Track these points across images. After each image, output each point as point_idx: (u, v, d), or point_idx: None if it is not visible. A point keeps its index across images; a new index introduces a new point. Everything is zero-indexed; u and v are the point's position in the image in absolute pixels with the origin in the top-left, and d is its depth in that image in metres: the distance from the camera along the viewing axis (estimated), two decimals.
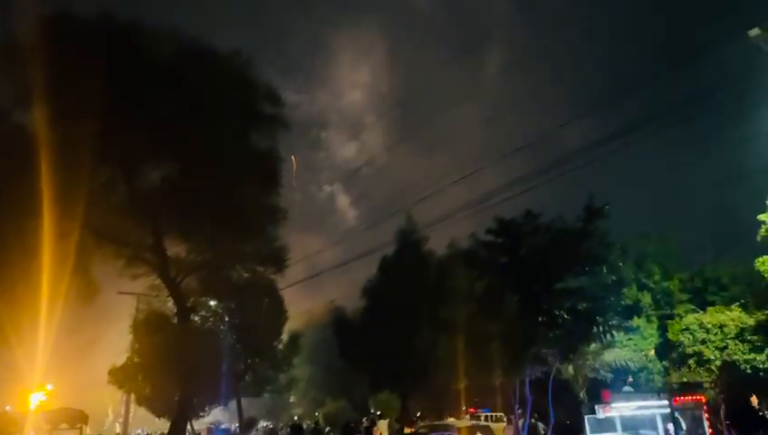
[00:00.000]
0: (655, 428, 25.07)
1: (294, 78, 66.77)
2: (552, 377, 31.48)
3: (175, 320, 28.48)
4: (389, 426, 36.72)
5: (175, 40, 22.77)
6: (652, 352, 34.46)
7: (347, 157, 72.43)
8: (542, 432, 33.87)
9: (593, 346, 32.40)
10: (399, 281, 30.80)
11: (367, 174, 73.78)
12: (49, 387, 32.67)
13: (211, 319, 32.96)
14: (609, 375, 33.43)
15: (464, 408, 39.87)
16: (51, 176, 19.44)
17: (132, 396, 34.91)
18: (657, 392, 29.52)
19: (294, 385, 44.78)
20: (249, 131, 25.56)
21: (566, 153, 34.35)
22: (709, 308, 32.64)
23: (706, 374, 30.39)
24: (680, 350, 31.79)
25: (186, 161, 23.79)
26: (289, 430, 44.30)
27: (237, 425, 39.81)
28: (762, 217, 27.29)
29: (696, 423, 23.94)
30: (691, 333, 31.21)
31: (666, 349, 33.57)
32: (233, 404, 36.00)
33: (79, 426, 29.93)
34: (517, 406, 32.77)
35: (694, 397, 24.54)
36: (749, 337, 29.59)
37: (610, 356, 33.24)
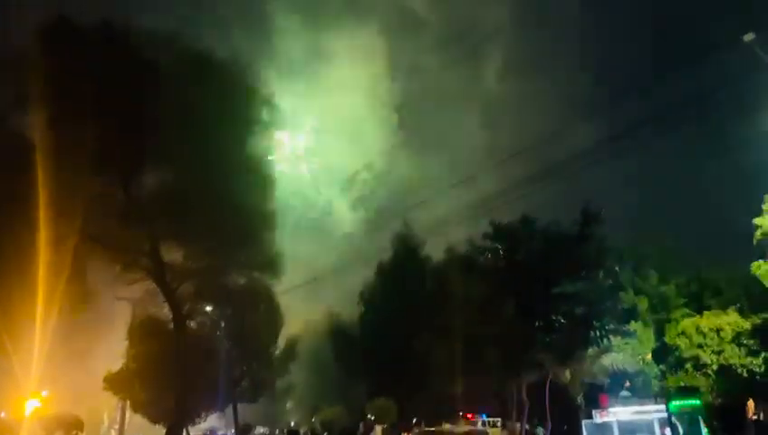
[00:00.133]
0: (653, 432, 25.11)
1: (293, 81, 67.16)
2: (549, 382, 31.46)
3: (171, 326, 28.38)
4: (385, 432, 36.64)
5: (172, 46, 22.80)
6: (649, 357, 34.41)
7: (345, 161, 72.63)
8: None
9: (590, 351, 32.39)
10: (396, 286, 30.81)
11: (365, 178, 73.90)
12: (44, 393, 32.42)
13: (207, 325, 32.86)
14: (607, 380, 33.42)
15: (461, 413, 39.79)
16: (47, 181, 19.39)
17: (128, 402, 34.76)
18: (655, 397, 29.52)
19: (291, 391, 44.65)
20: (246, 137, 25.57)
21: (564, 157, 34.41)
22: (706, 312, 32.63)
23: (703, 378, 30.41)
24: (677, 354, 31.78)
25: (182, 167, 23.77)
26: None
27: (233, 431, 39.68)
28: (757, 220, 27.36)
29: (693, 428, 23.98)
30: (688, 338, 31.21)
31: (662, 353, 33.55)
32: (229, 410, 35.88)
33: (74, 433, 29.73)
34: (514, 411, 32.73)
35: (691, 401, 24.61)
36: (745, 341, 29.61)
37: (607, 361, 33.23)
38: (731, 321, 30.44)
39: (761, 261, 27.64)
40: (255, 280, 30.94)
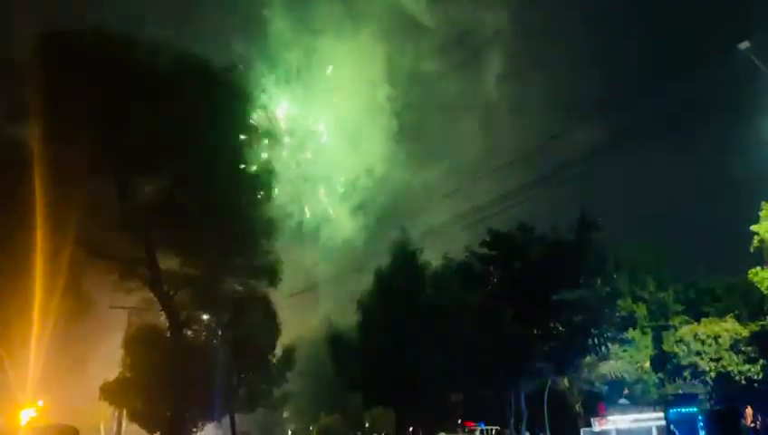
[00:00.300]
0: None
1: (291, 87, 67.37)
2: (547, 390, 31.35)
3: (167, 334, 28.26)
4: None
5: (169, 54, 22.83)
6: (647, 364, 34.38)
7: (344, 167, 72.65)
8: None
9: (588, 358, 32.30)
10: (394, 294, 30.73)
11: (364, 184, 73.93)
12: (40, 403, 32.20)
13: (204, 333, 32.70)
14: (605, 387, 33.34)
15: (459, 421, 39.58)
16: (44, 190, 19.36)
17: (124, 412, 34.51)
18: (653, 404, 29.45)
19: (288, 400, 44.36)
20: (243, 145, 25.59)
21: (562, 164, 34.45)
22: (703, 319, 32.66)
23: (702, 386, 30.38)
24: (675, 361, 31.78)
25: (179, 175, 23.75)
26: None
27: None
28: (754, 227, 27.43)
29: None
30: (686, 345, 31.23)
31: (661, 360, 33.53)
32: (226, 420, 35.62)
33: None
34: (513, 419, 32.58)
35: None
36: (743, 348, 29.64)
37: (606, 368, 33.16)
38: (729, 328, 30.49)
39: (758, 268, 27.71)
40: (253, 288, 30.84)
